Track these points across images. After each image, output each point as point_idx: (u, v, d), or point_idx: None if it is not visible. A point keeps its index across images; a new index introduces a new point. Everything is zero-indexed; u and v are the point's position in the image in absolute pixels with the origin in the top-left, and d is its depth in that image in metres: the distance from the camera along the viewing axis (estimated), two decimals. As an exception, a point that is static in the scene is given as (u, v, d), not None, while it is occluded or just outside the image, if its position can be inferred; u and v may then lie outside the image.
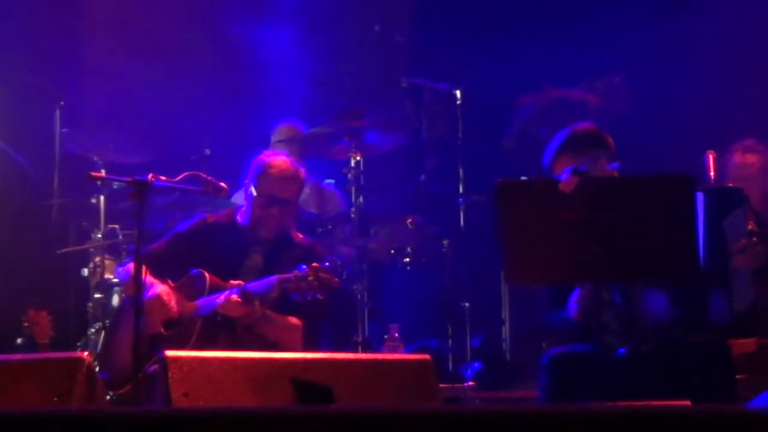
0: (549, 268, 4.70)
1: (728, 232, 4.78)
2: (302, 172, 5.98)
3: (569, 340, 5.13)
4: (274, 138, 7.69)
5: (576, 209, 4.55)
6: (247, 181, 5.90)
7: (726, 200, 4.84)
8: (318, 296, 5.39)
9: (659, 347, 4.88)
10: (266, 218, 5.81)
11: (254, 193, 5.81)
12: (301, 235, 6.01)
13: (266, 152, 6.01)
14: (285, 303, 5.64)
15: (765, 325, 5.10)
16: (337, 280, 5.55)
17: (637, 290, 4.95)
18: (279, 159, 5.93)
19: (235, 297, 5.51)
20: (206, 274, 5.70)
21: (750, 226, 4.75)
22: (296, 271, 5.42)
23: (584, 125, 5.22)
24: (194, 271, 5.77)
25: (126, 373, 5.40)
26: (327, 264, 5.49)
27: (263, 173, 5.83)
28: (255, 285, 5.55)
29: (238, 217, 5.94)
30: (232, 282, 5.58)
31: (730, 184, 5.25)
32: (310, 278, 5.38)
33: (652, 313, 4.93)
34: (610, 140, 5.15)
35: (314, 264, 5.42)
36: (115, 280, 7.05)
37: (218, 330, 5.61)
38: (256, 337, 5.60)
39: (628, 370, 4.88)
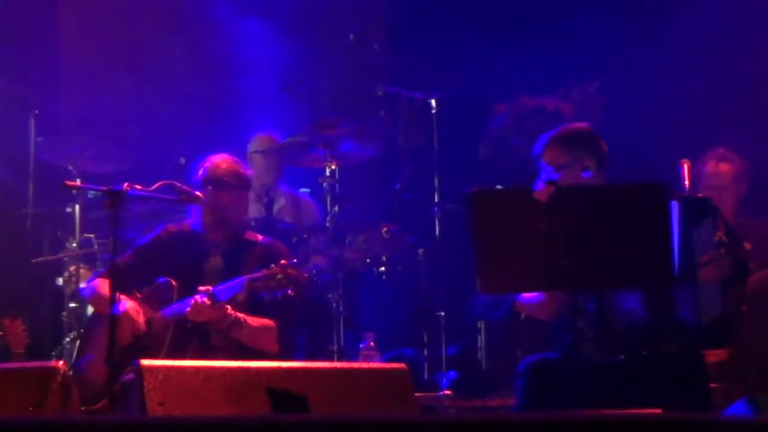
0: (523, 277, 4.70)
1: (697, 242, 4.80)
2: (245, 167, 6.00)
3: (544, 348, 5.14)
4: (251, 148, 7.69)
5: (550, 218, 4.56)
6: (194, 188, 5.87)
7: (696, 210, 4.85)
8: (288, 292, 5.39)
9: (634, 356, 4.90)
10: (215, 210, 5.80)
11: (201, 190, 5.78)
12: (259, 235, 6.00)
13: (207, 157, 6.01)
14: (255, 303, 5.63)
15: (735, 335, 5.11)
16: (306, 275, 5.55)
17: (611, 298, 4.97)
18: (218, 155, 5.96)
19: (203, 300, 5.49)
20: (173, 282, 5.70)
21: (717, 237, 4.75)
22: (265, 270, 5.42)
23: (581, 124, 5.30)
24: (161, 279, 5.76)
25: (98, 389, 5.38)
26: (295, 260, 5.49)
27: (206, 169, 5.86)
28: (224, 287, 5.54)
29: (194, 224, 5.95)
30: (200, 288, 5.56)
31: (700, 195, 5.26)
32: (279, 276, 5.38)
33: (626, 321, 4.94)
34: (604, 145, 5.20)
35: (282, 261, 5.42)
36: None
37: (190, 337, 5.60)
38: (231, 342, 5.59)
39: (604, 379, 4.89)
